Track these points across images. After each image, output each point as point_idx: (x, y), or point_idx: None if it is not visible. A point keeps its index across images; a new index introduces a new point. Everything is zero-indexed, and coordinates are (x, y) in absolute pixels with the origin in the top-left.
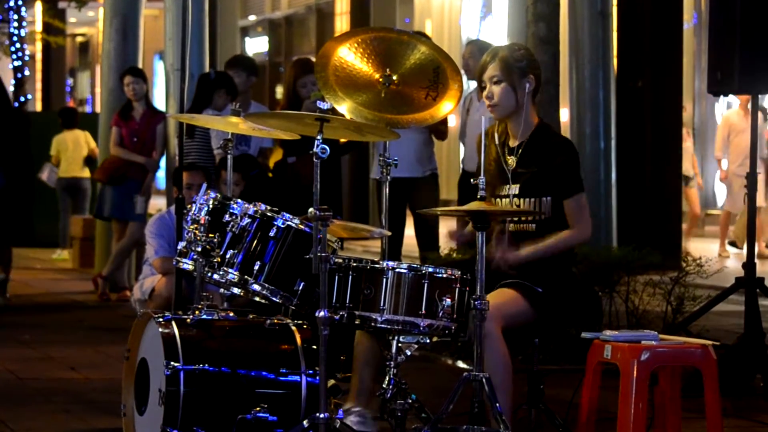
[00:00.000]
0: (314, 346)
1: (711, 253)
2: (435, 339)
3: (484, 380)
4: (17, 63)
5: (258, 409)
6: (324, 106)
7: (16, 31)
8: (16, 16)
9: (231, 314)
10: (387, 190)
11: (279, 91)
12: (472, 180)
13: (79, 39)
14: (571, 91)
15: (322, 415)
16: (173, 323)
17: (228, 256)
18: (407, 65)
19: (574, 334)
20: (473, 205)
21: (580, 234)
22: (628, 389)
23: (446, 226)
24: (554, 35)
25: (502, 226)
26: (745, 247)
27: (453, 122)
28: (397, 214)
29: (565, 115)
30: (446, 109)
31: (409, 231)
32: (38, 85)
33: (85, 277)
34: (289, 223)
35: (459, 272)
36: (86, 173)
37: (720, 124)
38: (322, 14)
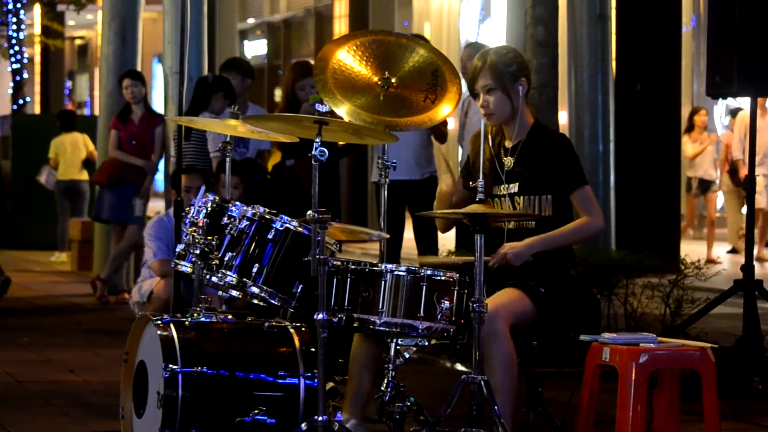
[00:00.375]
0: (312, 349)
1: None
2: (433, 341)
3: (482, 383)
4: (16, 66)
5: (256, 411)
6: (322, 108)
7: (14, 34)
8: (14, 19)
9: (229, 317)
10: (386, 192)
11: (277, 93)
12: (470, 183)
13: (78, 42)
14: (570, 95)
15: (320, 418)
16: (171, 326)
17: (226, 258)
18: (406, 68)
19: (572, 336)
20: (472, 208)
21: (594, 223)
22: (627, 392)
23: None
24: (553, 38)
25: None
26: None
27: (452, 125)
28: (396, 217)
29: (563, 118)
30: (445, 111)
31: (408, 234)
32: (37, 88)
33: (83, 279)
34: (287, 225)
35: (457, 275)
36: (85, 176)
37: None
38: (321, 17)
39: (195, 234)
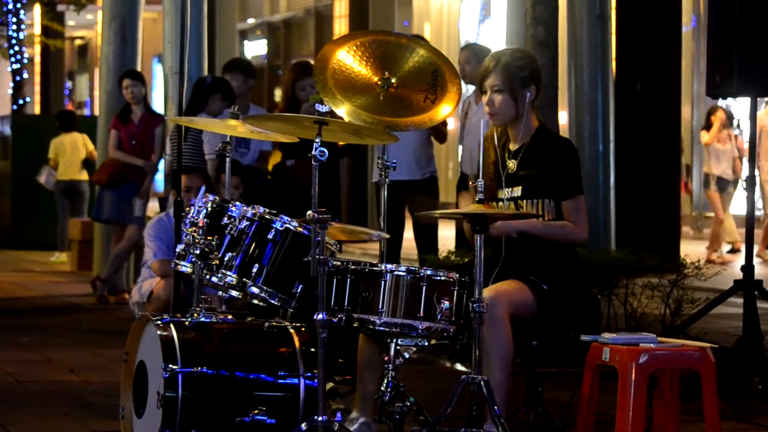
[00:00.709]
0: (312, 349)
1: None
2: (433, 341)
3: (482, 383)
4: (16, 66)
5: (256, 411)
6: (323, 108)
7: (14, 34)
8: (14, 19)
9: (229, 317)
10: (386, 192)
11: (278, 94)
12: (470, 183)
13: (78, 42)
14: (570, 94)
15: (320, 418)
16: (171, 326)
17: (226, 258)
18: (406, 68)
19: (572, 336)
20: (472, 208)
21: (576, 232)
22: (627, 392)
23: (445, 228)
24: (553, 38)
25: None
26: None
27: (451, 125)
28: (396, 217)
29: (563, 118)
30: (445, 112)
31: (408, 234)
32: (37, 88)
33: (83, 279)
34: (287, 225)
35: (457, 275)
36: (84, 176)
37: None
38: (321, 17)
39: (195, 234)
